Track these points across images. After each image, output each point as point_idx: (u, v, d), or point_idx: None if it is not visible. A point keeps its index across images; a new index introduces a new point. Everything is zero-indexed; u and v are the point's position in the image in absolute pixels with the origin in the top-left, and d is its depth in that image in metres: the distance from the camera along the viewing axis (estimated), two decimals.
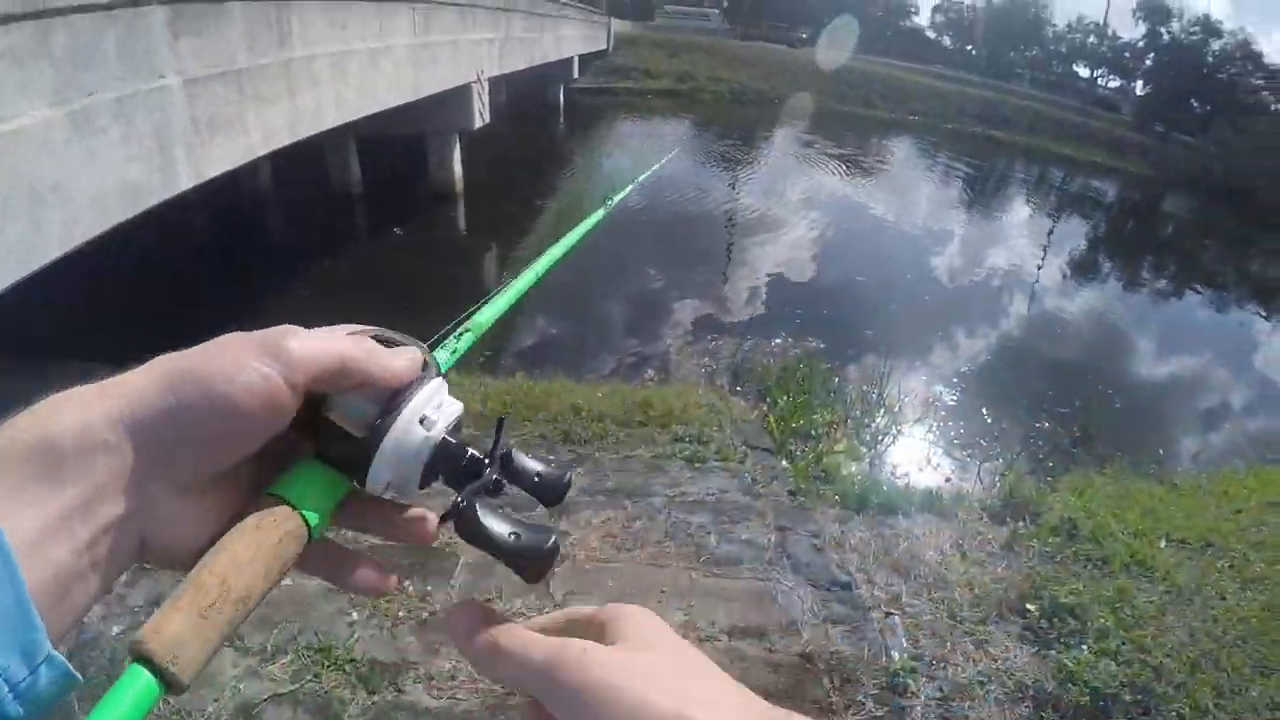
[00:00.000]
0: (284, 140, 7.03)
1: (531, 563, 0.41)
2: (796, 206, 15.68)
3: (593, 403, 5.26)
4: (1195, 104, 44.62)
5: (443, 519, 0.43)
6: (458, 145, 13.36)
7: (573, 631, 0.40)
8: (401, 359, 0.43)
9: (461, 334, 0.60)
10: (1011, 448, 6.33)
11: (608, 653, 0.37)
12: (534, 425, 4.96)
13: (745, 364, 6.91)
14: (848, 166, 21.51)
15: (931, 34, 78.82)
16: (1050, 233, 18.54)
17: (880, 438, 5.83)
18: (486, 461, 0.44)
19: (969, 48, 73.85)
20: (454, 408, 0.44)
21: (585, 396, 5.36)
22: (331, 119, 7.94)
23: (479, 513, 0.40)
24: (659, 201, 15.28)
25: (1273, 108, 41.57)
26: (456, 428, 0.44)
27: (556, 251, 0.84)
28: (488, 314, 0.66)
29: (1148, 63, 51.95)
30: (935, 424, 6.36)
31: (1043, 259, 15.14)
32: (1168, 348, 11.16)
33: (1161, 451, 6.95)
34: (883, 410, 6.34)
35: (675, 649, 0.38)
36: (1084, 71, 65.30)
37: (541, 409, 5.28)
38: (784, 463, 4.79)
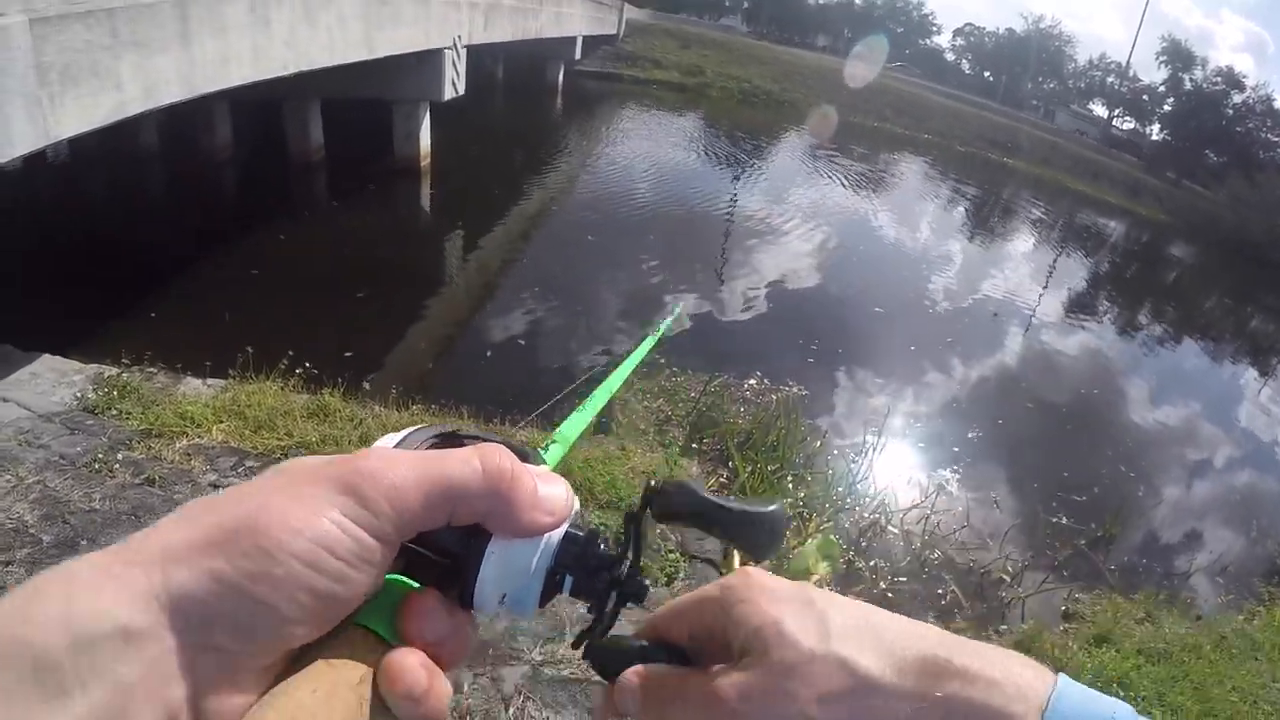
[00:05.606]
0: (174, 96, 5.79)
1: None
2: (800, 218, 14.34)
3: None
4: (1211, 154, 43.85)
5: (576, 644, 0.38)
6: (427, 116, 12.03)
7: (705, 609, 0.38)
8: (556, 487, 0.34)
9: (549, 445, 0.51)
10: (1022, 548, 5.17)
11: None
12: None
13: (710, 411, 5.62)
14: (859, 181, 20.28)
15: (950, 56, 78.17)
16: (1098, 281, 17.50)
17: (866, 531, 4.63)
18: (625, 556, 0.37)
19: (987, 74, 73.24)
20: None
21: None
22: (244, 74, 6.66)
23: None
24: (653, 196, 14.03)
25: None
26: (574, 523, 0.37)
27: (624, 369, 0.79)
28: (572, 427, 0.58)
29: (1166, 107, 51.17)
30: (933, 506, 5.16)
31: (1081, 311, 13.86)
32: (1195, 420, 9.96)
33: (1191, 563, 5.78)
34: (871, 489, 5.14)
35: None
36: (1100, 110, 64.65)
37: None
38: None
